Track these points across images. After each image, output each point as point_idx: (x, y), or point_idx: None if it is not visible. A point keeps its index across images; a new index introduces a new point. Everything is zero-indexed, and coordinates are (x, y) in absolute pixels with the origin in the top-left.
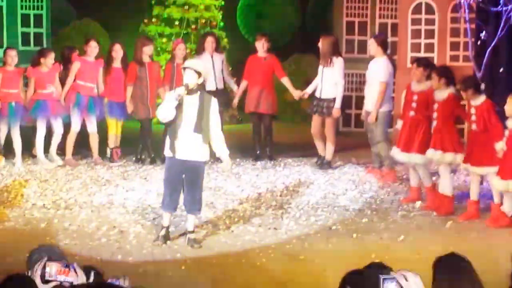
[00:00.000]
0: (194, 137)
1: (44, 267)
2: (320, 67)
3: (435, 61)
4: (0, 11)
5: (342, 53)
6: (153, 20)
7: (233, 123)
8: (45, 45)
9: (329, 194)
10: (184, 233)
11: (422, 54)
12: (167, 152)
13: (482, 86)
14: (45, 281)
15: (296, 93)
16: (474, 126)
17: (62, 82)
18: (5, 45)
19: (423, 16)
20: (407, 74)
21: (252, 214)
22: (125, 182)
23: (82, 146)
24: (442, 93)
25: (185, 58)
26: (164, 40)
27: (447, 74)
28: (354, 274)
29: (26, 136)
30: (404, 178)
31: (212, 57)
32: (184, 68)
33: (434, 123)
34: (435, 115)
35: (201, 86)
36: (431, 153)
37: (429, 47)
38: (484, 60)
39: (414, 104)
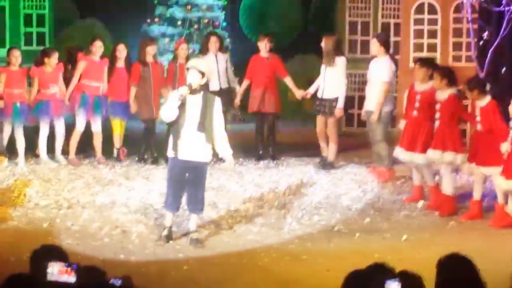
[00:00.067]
0: (197, 137)
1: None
2: (323, 67)
3: (438, 61)
4: (3, 11)
5: (345, 53)
6: (156, 20)
7: (235, 122)
8: (47, 45)
9: (331, 194)
10: (187, 233)
11: (424, 54)
12: (170, 152)
13: (488, 86)
14: None
15: (298, 93)
16: (479, 127)
17: (68, 82)
18: (7, 45)
19: (426, 16)
20: (410, 74)
21: (254, 214)
22: (127, 182)
23: (85, 145)
24: (444, 93)
25: (187, 58)
26: (167, 40)
27: (449, 75)
28: (357, 274)
29: (29, 136)
30: (406, 178)
31: (216, 57)
32: (188, 68)
33: (436, 123)
34: (437, 115)
35: (205, 86)
36: (431, 152)
37: (432, 47)
38: (487, 60)
39: (417, 104)
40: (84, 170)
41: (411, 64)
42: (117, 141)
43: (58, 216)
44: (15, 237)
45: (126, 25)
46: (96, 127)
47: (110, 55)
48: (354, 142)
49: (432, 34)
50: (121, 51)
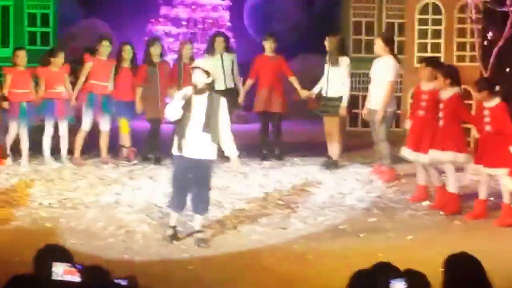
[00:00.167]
0: (202, 136)
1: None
2: (326, 66)
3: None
4: (7, 11)
5: (349, 52)
6: (160, 19)
7: (240, 122)
8: (51, 45)
9: (336, 194)
10: (192, 233)
11: (428, 54)
12: (175, 151)
13: (497, 87)
14: None
15: (303, 93)
16: (488, 128)
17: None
18: (11, 45)
19: (430, 16)
20: (414, 74)
21: (259, 213)
22: (132, 181)
23: (89, 145)
24: (447, 93)
25: (192, 58)
26: (171, 40)
27: (452, 74)
28: (362, 274)
29: (33, 136)
30: (410, 177)
31: (222, 57)
32: (193, 68)
33: (440, 122)
34: (440, 114)
35: (210, 86)
36: (433, 152)
37: (436, 47)
38: (491, 61)
39: (423, 104)
40: (88, 170)
41: (415, 64)
42: (126, 140)
43: (61, 216)
44: (19, 237)
45: (130, 25)
46: (105, 127)
47: (116, 55)
48: (359, 141)
49: (436, 34)
50: (127, 51)
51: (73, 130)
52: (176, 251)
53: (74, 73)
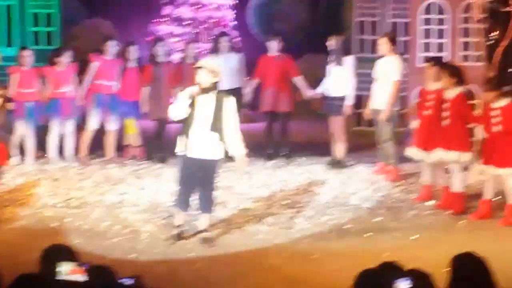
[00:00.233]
0: (208, 135)
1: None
2: (330, 66)
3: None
4: (11, 10)
5: (353, 52)
6: (164, 19)
7: (245, 122)
8: (55, 45)
9: (341, 193)
10: (197, 232)
11: (433, 53)
12: (180, 150)
13: (508, 87)
14: None
15: (307, 93)
16: (497, 128)
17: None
18: (15, 44)
19: (435, 16)
20: (418, 73)
21: (264, 213)
22: (137, 180)
23: (94, 144)
24: (452, 92)
25: (196, 58)
26: (175, 39)
27: (457, 73)
28: (367, 273)
29: (39, 136)
30: (415, 177)
31: (227, 57)
32: (198, 68)
33: (444, 121)
34: (445, 114)
35: (216, 85)
36: (437, 151)
37: (440, 47)
38: (495, 60)
39: (430, 103)
40: (93, 169)
41: (420, 64)
42: (133, 140)
43: (67, 215)
44: (24, 237)
45: (134, 25)
46: (112, 126)
47: (121, 56)
48: (364, 141)
49: (441, 34)
50: (132, 52)
51: (78, 129)
52: (181, 251)
53: (81, 73)
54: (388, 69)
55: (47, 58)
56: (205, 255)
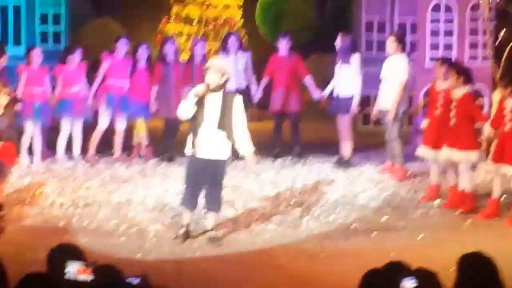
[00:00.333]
0: (216, 135)
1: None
2: (338, 65)
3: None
4: (19, 10)
5: (362, 52)
6: (172, 18)
7: (252, 121)
8: (63, 44)
9: (348, 193)
10: (204, 231)
11: (441, 53)
12: (188, 150)
13: None
14: None
15: (316, 94)
16: (510, 125)
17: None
18: (23, 44)
19: (442, 15)
20: (426, 73)
21: (271, 212)
22: (144, 180)
23: (102, 144)
24: (460, 92)
25: (204, 57)
26: (183, 39)
27: (465, 73)
28: (374, 273)
29: (49, 136)
30: (422, 176)
31: (235, 56)
32: (207, 68)
33: (452, 121)
34: (452, 113)
35: (224, 85)
36: (444, 150)
37: (448, 46)
38: (503, 59)
39: (440, 103)
40: (100, 168)
41: (428, 63)
42: (142, 140)
43: (74, 214)
44: (32, 236)
45: (142, 24)
46: (121, 126)
47: (131, 56)
48: (371, 140)
49: (449, 33)
50: (143, 51)
51: (88, 129)
52: (188, 250)
53: (91, 72)
54: (395, 69)
55: (54, 58)
56: (212, 255)
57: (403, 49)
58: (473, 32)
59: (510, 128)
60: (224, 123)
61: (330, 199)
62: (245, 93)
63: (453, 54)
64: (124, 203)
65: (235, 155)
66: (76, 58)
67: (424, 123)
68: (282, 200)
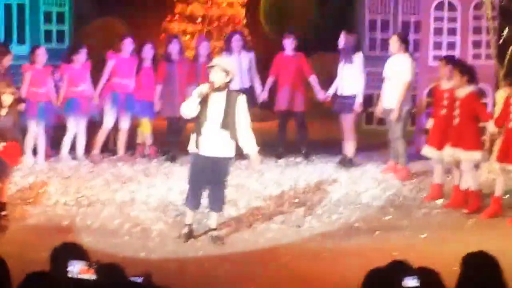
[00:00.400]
0: (219, 134)
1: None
2: (341, 64)
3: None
4: (23, 9)
5: (365, 51)
6: (176, 17)
7: (255, 120)
8: (67, 43)
9: (351, 192)
10: (207, 230)
11: (444, 52)
12: (192, 148)
13: None
14: None
15: (320, 95)
16: None
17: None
18: (27, 43)
19: (446, 14)
20: (429, 72)
21: (274, 211)
22: (147, 179)
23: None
24: (464, 91)
25: (209, 56)
26: (187, 37)
27: (469, 72)
28: (377, 272)
29: (55, 135)
30: (425, 175)
31: (239, 55)
32: (211, 66)
33: (455, 120)
34: (456, 112)
35: (228, 84)
36: (448, 150)
37: (451, 45)
38: (507, 58)
39: (445, 102)
40: (103, 167)
41: (431, 62)
42: (147, 139)
43: (77, 214)
44: (35, 235)
45: (145, 23)
46: (125, 124)
47: (136, 55)
48: (374, 140)
49: (452, 32)
50: (148, 50)
51: (92, 128)
52: (192, 249)
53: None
54: (399, 69)
55: (58, 57)
56: (215, 254)
57: (406, 49)
58: (477, 30)
59: None
60: (228, 123)
61: (333, 198)
62: (249, 92)
63: (456, 53)
64: (128, 202)
65: (239, 155)
66: (81, 57)
67: (429, 123)
68: (285, 199)
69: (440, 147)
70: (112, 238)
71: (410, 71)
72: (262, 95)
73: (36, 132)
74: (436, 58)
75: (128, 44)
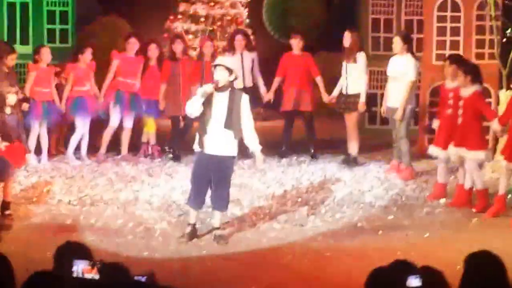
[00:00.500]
0: (223, 133)
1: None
2: (344, 64)
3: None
4: (26, 8)
5: (368, 50)
6: (179, 16)
7: (258, 120)
8: (70, 43)
9: (354, 191)
10: (211, 230)
11: (447, 51)
12: (196, 147)
13: None
14: None
15: (325, 97)
16: None
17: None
18: (31, 42)
19: (449, 13)
20: (432, 71)
21: (278, 211)
22: (151, 178)
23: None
24: (468, 90)
25: (213, 55)
26: (191, 37)
27: (473, 71)
28: (380, 271)
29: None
30: (428, 175)
31: (241, 55)
32: (215, 66)
33: (459, 119)
34: (460, 111)
35: (232, 83)
36: (452, 149)
37: (455, 45)
38: (510, 58)
39: (450, 102)
40: (107, 167)
41: (434, 62)
42: (151, 138)
43: (81, 213)
44: (38, 234)
45: (149, 22)
46: (128, 124)
47: (141, 54)
48: (377, 139)
49: (455, 31)
50: (153, 50)
51: (97, 127)
52: (195, 248)
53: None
54: (403, 68)
55: (61, 56)
56: (218, 253)
57: (409, 48)
58: (480, 30)
59: None
60: (231, 122)
61: (336, 197)
62: (252, 92)
63: (460, 53)
64: (131, 202)
65: (242, 154)
66: (87, 57)
67: (435, 123)
68: (288, 199)
69: (446, 146)
70: (115, 237)
71: (414, 71)
72: (268, 95)
73: (39, 132)
74: (439, 57)
75: (132, 44)
